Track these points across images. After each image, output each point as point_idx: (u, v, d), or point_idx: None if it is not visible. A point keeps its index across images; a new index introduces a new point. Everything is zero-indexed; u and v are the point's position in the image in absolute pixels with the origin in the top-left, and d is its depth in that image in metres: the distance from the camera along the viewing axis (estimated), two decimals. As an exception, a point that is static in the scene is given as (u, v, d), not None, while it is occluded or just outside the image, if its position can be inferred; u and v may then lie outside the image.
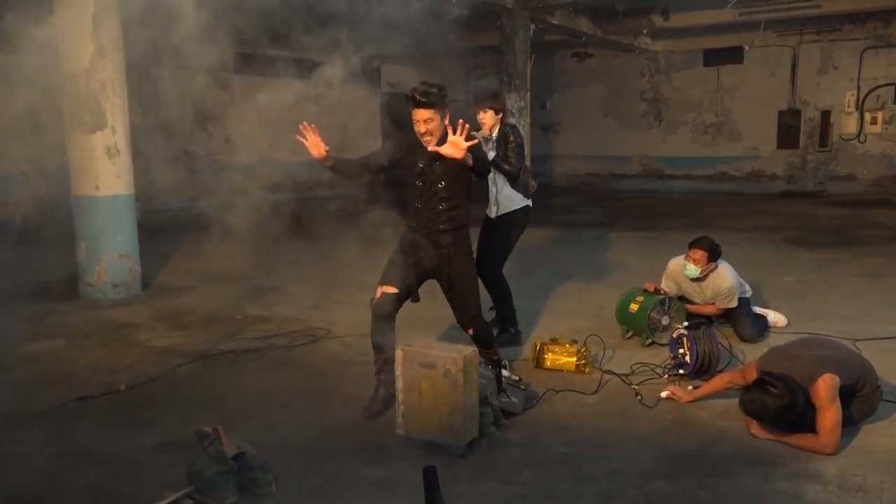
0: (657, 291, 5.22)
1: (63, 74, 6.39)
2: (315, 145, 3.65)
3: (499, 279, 5.15)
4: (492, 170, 4.91)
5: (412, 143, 3.74)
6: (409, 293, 3.86)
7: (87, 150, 6.45)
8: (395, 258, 3.91)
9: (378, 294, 3.81)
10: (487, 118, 4.94)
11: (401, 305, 3.86)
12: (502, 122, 5.00)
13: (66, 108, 6.49)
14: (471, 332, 3.92)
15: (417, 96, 3.60)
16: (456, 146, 3.39)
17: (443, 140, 3.55)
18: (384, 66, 18.70)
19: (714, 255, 5.07)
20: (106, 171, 6.50)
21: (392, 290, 3.78)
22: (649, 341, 5.00)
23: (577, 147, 18.43)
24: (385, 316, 3.78)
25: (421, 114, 3.61)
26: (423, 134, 3.63)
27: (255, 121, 15.16)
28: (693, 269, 5.08)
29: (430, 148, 3.60)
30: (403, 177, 3.84)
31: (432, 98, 3.59)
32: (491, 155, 4.88)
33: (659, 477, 3.16)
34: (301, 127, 3.67)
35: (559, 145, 18.79)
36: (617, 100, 17.89)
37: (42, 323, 5.82)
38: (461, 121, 3.46)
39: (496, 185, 5.04)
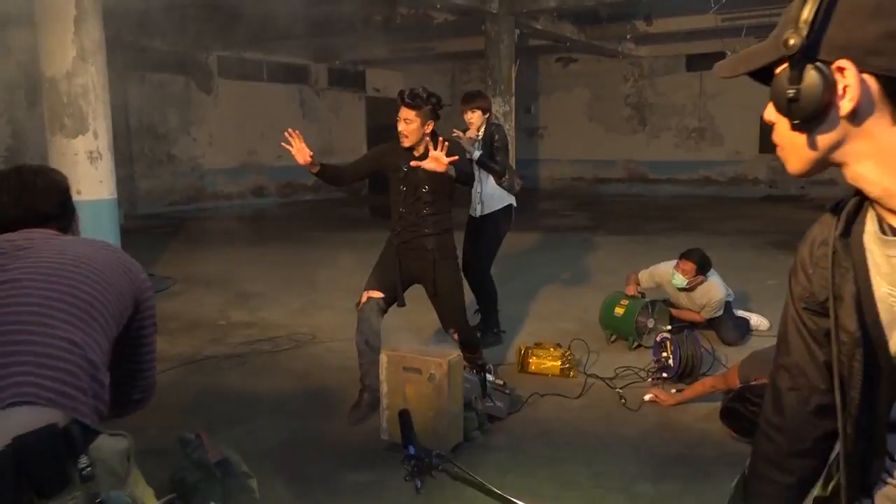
0: (639, 294, 5.26)
1: (44, 78, 6.34)
2: (300, 151, 3.67)
3: (486, 280, 5.18)
4: (478, 168, 4.98)
5: (397, 148, 3.77)
6: (395, 298, 3.88)
7: (68, 155, 6.39)
8: (381, 263, 3.93)
9: (364, 299, 3.82)
10: (475, 118, 5.03)
11: (387, 310, 3.87)
12: (488, 122, 5.07)
13: (47, 112, 6.44)
14: (455, 335, 3.93)
15: (405, 95, 3.70)
16: (437, 161, 3.47)
17: (423, 151, 3.65)
18: (369, 69, 18.70)
19: (703, 268, 5.10)
20: (88, 175, 6.45)
21: (378, 294, 3.81)
22: (636, 344, 5.03)
23: (561, 151, 18.50)
24: (371, 320, 3.79)
25: (403, 112, 3.71)
26: (401, 132, 3.72)
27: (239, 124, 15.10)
28: (680, 280, 5.10)
29: (412, 163, 3.66)
30: (388, 182, 3.88)
31: (417, 101, 3.67)
32: (477, 154, 4.95)
33: (643, 480, 3.17)
34: (286, 134, 3.69)
35: (544, 149, 18.86)
36: (601, 104, 17.99)
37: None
38: (440, 137, 3.55)
39: (481, 184, 5.09)
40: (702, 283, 5.12)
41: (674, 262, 5.18)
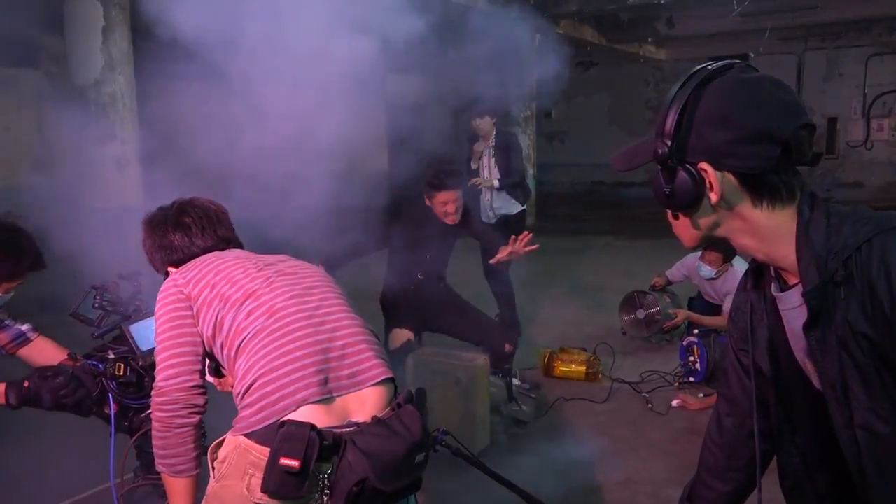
0: (663, 286, 5.31)
1: (73, 87, 6.45)
2: None
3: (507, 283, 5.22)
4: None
5: None
6: None
7: (97, 162, 6.49)
8: None
9: None
10: (485, 124, 5.09)
11: None
12: (497, 127, 5.13)
13: (75, 120, 6.54)
14: (507, 348, 3.92)
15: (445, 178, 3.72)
16: None
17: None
18: (389, 74, 18.77)
19: (729, 256, 5.06)
20: (116, 182, 6.54)
21: None
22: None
23: (582, 156, 18.42)
24: None
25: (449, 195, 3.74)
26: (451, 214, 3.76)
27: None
28: (708, 271, 5.05)
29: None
30: None
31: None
32: (497, 182, 5.12)
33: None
34: None
35: (565, 154, 18.80)
36: (622, 108, 17.90)
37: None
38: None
39: (490, 193, 5.14)
40: (728, 270, 5.10)
41: (699, 253, 5.17)
